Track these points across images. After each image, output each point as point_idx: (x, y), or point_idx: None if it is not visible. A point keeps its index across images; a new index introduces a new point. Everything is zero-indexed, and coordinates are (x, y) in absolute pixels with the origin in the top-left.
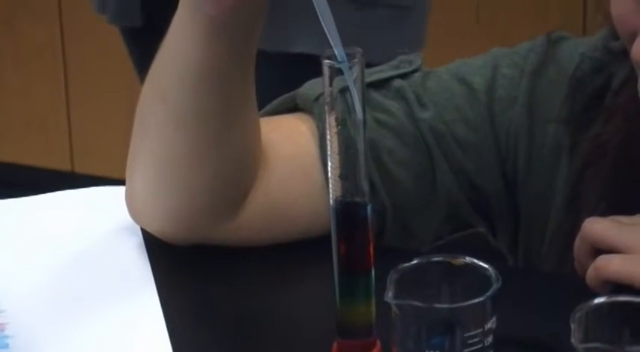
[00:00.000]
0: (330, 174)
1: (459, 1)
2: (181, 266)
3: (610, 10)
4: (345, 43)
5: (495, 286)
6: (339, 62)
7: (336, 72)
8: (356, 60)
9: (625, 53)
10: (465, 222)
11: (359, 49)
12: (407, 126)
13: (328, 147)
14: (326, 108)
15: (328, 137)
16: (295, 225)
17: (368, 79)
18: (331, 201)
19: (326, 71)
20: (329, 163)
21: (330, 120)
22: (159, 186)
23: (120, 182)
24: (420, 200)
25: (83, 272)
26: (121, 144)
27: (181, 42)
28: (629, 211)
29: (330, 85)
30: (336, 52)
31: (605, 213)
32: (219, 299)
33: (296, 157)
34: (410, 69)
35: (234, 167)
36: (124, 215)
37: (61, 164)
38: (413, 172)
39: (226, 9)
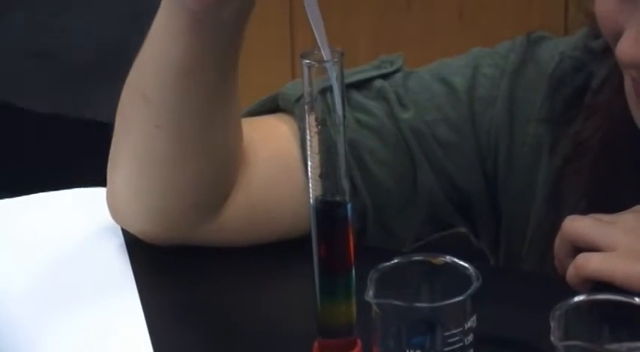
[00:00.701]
0: (310, 173)
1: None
2: (162, 267)
3: (593, 9)
4: None
5: (475, 285)
6: (325, 61)
7: (316, 72)
8: (336, 60)
9: (605, 52)
10: (446, 222)
11: (339, 49)
12: (388, 126)
13: (308, 147)
14: (306, 108)
15: (308, 137)
16: (277, 225)
17: (349, 80)
18: (311, 200)
19: (305, 71)
20: (309, 163)
21: (310, 120)
22: (140, 185)
23: (101, 183)
24: (400, 200)
25: (64, 274)
26: None
27: (163, 38)
28: (609, 209)
29: (310, 85)
30: (323, 52)
31: (585, 211)
32: (199, 299)
33: (277, 158)
34: (391, 69)
35: (215, 166)
36: (105, 216)
37: None
38: (394, 172)
39: (209, 4)
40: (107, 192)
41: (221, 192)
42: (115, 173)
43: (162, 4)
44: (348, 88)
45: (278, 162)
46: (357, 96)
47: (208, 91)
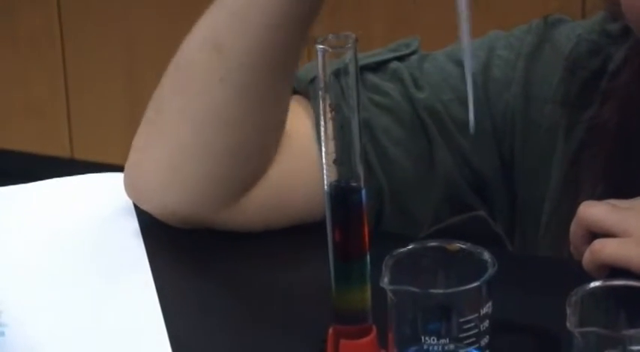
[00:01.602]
0: (324, 159)
1: None
2: (177, 252)
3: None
4: None
5: (491, 271)
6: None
7: (330, 57)
8: (349, 45)
9: (623, 36)
10: (463, 203)
11: (352, 34)
12: (403, 105)
13: (322, 133)
14: (319, 93)
15: (322, 122)
16: (294, 206)
17: (364, 62)
18: (325, 186)
19: (320, 57)
20: (323, 148)
21: (324, 106)
22: (182, 149)
23: (119, 168)
24: (417, 180)
25: (79, 260)
26: (121, 130)
27: None
28: (627, 193)
29: (324, 70)
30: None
31: (602, 195)
32: (215, 285)
33: (292, 138)
34: (407, 51)
35: (262, 138)
36: (121, 202)
37: (61, 151)
38: (410, 151)
39: None
40: (130, 165)
41: (256, 168)
42: (151, 140)
43: None
44: (364, 70)
45: (293, 142)
46: (371, 77)
47: (282, 52)
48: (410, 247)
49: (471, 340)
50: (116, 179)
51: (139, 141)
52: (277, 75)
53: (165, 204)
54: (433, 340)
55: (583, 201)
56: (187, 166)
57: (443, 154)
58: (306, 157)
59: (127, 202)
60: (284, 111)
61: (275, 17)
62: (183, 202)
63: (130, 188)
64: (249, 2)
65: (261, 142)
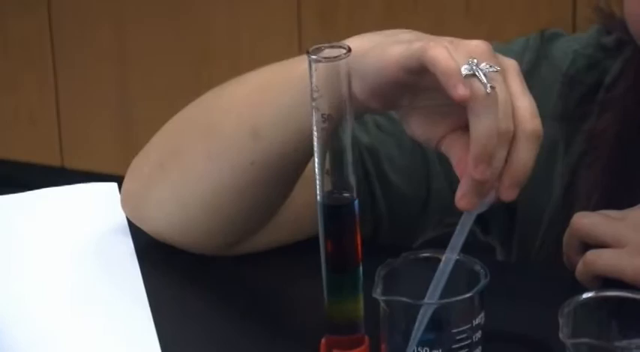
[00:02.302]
0: (317, 169)
1: None
2: (170, 263)
3: (605, 7)
4: None
5: (483, 282)
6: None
7: (323, 69)
8: (342, 55)
9: (618, 48)
10: (456, 223)
11: (345, 44)
12: (405, 134)
13: (315, 143)
14: (312, 104)
15: (315, 133)
16: (299, 230)
17: None
18: (318, 196)
19: (312, 68)
20: (315, 159)
21: (317, 117)
22: (201, 202)
23: (111, 177)
24: (415, 207)
25: (71, 270)
26: (112, 139)
27: (308, 100)
28: (623, 203)
29: (317, 80)
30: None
31: (599, 206)
32: (208, 296)
33: None
34: None
35: (279, 203)
36: (112, 212)
37: (51, 159)
38: (410, 179)
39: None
40: (131, 194)
41: (268, 219)
42: (161, 185)
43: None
44: None
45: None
46: None
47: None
48: (402, 257)
49: (463, 351)
50: (107, 189)
51: (142, 172)
52: (303, 163)
53: (171, 237)
54: (426, 351)
55: (578, 211)
56: (197, 218)
57: (440, 181)
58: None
59: (119, 214)
60: (297, 182)
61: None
62: (189, 240)
63: (132, 216)
64: (295, 106)
65: (273, 206)
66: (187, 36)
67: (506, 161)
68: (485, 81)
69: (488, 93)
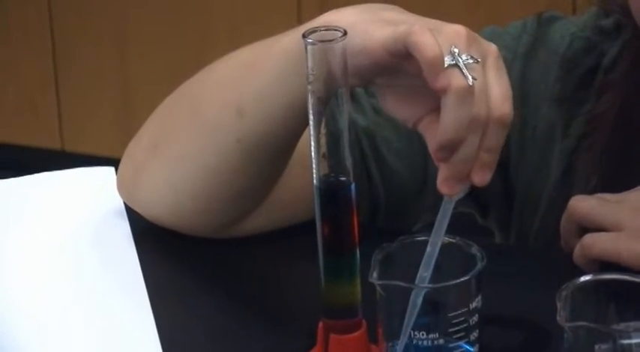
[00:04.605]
0: (313, 153)
1: None
2: (167, 247)
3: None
4: None
5: (480, 265)
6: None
7: (319, 51)
8: (339, 38)
9: (615, 31)
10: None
11: (341, 28)
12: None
13: (311, 127)
14: (308, 88)
15: (310, 117)
16: (293, 215)
17: None
18: (314, 180)
19: (308, 50)
20: (312, 142)
21: (312, 100)
22: (192, 187)
23: (111, 161)
24: (413, 189)
25: (68, 254)
26: (112, 122)
27: (280, 71)
28: (621, 186)
29: (312, 65)
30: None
31: (597, 188)
32: (204, 279)
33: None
34: None
35: (270, 184)
36: (109, 196)
37: (51, 143)
38: (408, 162)
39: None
40: (126, 178)
41: (257, 203)
42: (153, 168)
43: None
44: None
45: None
46: None
47: (299, 125)
48: (399, 241)
49: (460, 334)
50: (104, 174)
51: (136, 154)
52: (294, 139)
53: (164, 220)
54: (422, 334)
55: (576, 195)
56: (192, 198)
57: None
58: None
59: (116, 198)
60: (289, 159)
61: (299, 97)
62: (183, 222)
63: (129, 196)
64: (278, 79)
65: (264, 186)
66: (187, 19)
67: None
68: (466, 72)
69: (469, 86)
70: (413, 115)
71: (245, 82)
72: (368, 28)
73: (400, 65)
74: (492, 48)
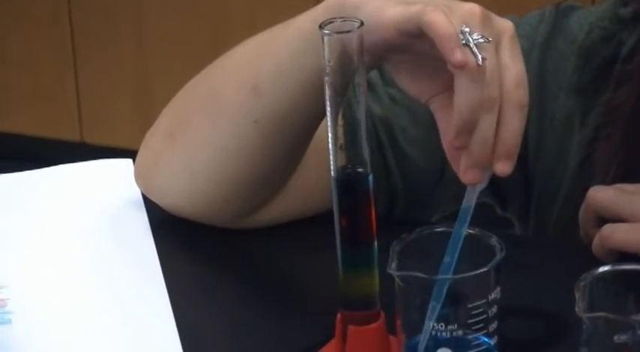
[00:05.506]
0: (330, 145)
1: None
2: (185, 238)
3: None
4: None
5: (499, 256)
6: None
7: (335, 43)
8: (355, 29)
9: (634, 20)
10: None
11: (357, 19)
12: (419, 104)
13: (328, 118)
14: (325, 79)
15: (328, 108)
16: (309, 206)
17: None
18: (332, 172)
19: (325, 42)
20: (329, 134)
21: (329, 91)
22: (210, 171)
23: (130, 153)
24: (430, 179)
25: (86, 245)
26: (131, 114)
27: (299, 48)
28: (639, 176)
29: (329, 56)
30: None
31: (616, 178)
32: (222, 271)
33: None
34: None
35: (288, 170)
36: (127, 188)
37: (70, 134)
38: (425, 150)
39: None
40: (144, 166)
41: (275, 190)
42: (171, 154)
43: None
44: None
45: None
46: None
47: (317, 104)
48: (417, 232)
49: (479, 326)
50: (123, 165)
51: (153, 143)
52: (310, 122)
53: (181, 208)
54: (441, 326)
55: (594, 185)
56: (210, 183)
57: None
58: (320, 153)
59: (134, 190)
60: (307, 146)
61: (314, 75)
62: (199, 210)
63: (145, 185)
64: (293, 57)
65: (282, 173)
66: (205, 11)
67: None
68: (476, 51)
69: (479, 65)
70: (426, 91)
71: (261, 61)
72: (381, 6)
73: (412, 44)
74: (508, 26)
